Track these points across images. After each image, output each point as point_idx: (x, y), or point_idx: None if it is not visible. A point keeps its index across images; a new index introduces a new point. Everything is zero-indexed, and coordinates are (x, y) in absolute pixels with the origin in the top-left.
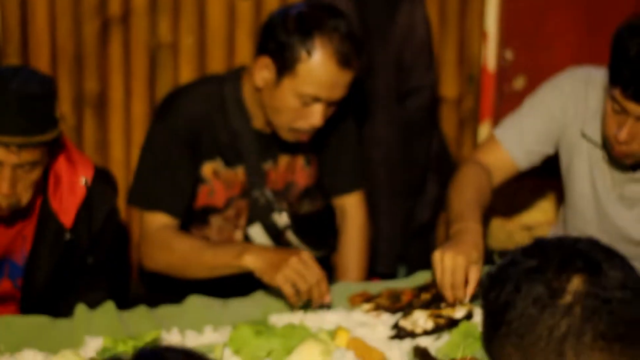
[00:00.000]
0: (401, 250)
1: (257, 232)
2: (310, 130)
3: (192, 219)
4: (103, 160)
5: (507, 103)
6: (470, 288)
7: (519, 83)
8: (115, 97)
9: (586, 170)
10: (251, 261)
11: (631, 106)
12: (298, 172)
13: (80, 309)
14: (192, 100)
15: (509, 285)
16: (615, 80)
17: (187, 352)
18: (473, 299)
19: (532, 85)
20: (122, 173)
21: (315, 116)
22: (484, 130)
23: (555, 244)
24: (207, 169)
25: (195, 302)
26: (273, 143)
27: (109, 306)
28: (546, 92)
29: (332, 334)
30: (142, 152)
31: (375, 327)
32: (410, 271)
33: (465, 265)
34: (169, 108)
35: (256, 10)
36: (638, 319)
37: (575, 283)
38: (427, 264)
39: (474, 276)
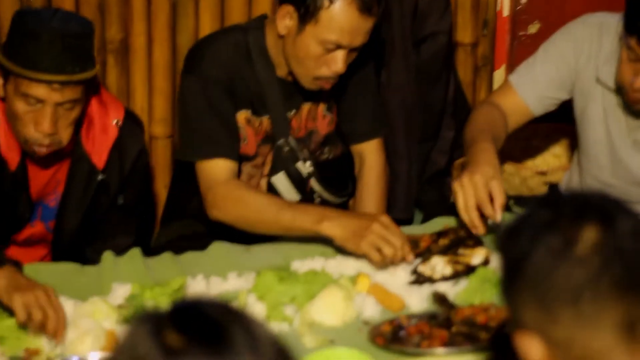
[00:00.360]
0: (418, 195)
1: (281, 181)
2: (332, 77)
3: None
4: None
5: (522, 48)
6: (498, 203)
7: (533, 28)
8: (137, 44)
9: (600, 116)
10: (331, 229)
11: None
12: (319, 119)
13: (107, 256)
14: (221, 48)
15: (524, 236)
16: (631, 29)
17: (225, 306)
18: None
19: (547, 30)
20: (145, 119)
21: (338, 62)
22: (499, 75)
23: (568, 196)
24: (241, 116)
25: (218, 249)
26: (296, 91)
27: (134, 253)
28: (560, 38)
29: (353, 279)
30: (182, 106)
31: (394, 272)
32: (426, 217)
33: (484, 182)
34: (200, 57)
35: None
36: None
37: (589, 233)
38: (443, 210)
39: (497, 190)
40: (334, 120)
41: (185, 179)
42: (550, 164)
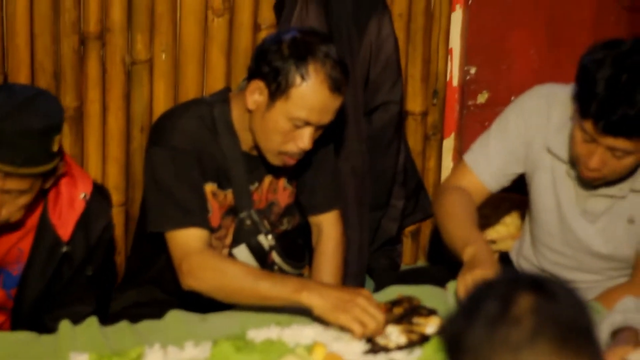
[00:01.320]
0: (369, 262)
1: (243, 253)
2: (298, 153)
3: None
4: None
5: (472, 117)
6: None
7: (482, 97)
8: (92, 111)
9: (550, 184)
10: (311, 299)
11: (602, 139)
12: (280, 191)
13: (65, 325)
14: (187, 122)
15: (462, 312)
16: (585, 113)
17: None
18: None
19: (496, 99)
20: None
21: (305, 139)
22: (448, 144)
23: (501, 275)
24: (207, 189)
25: (175, 317)
26: (259, 165)
27: (91, 321)
28: (510, 112)
29: (309, 349)
30: (150, 178)
31: (350, 342)
32: (377, 285)
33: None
34: (167, 129)
35: (229, 28)
36: (586, 326)
37: (524, 297)
38: (394, 277)
39: None
40: (294, 192)
41: (144, 247)
42: (500, 232)
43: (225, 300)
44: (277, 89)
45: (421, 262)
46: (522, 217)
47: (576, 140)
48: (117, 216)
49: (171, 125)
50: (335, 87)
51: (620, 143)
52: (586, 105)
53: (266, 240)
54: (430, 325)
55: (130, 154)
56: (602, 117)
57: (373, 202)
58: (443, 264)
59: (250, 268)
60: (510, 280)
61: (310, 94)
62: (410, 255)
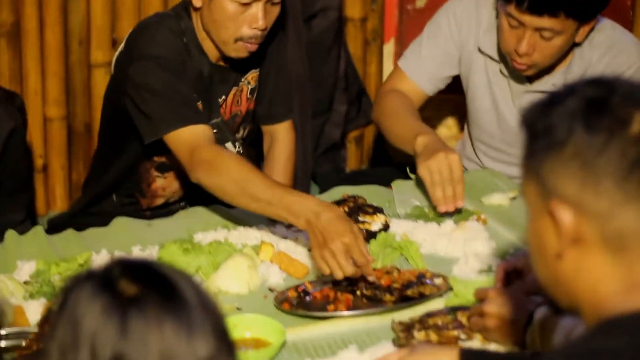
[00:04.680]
0: (313, 168)
1: None
2: (255, 35)
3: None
4: (18, 90)
5: (411, 21)
6: (457, 175)
7: (421, 2)
8: (29, 27)
9: (485, 85)
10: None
11: (527, 18)
12: (243, 103)
13: (10, 234)
14: (165, 33)
15: (571, 108)
16: None
17: (169, 265)
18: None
19: (434, 3)
20: (39, 101)
21: (257, 18)
22: (388, 49)
23: (614, 82)
24: None
25: (121, 224)
26: (227, 77)
27: (37, 230)
28: (441, 16)
29: (257, 248)
30: (138, 92)
31: (297, 240)
32: (322, 189)
33: (452, 159)
34: (147, 42)
35: None
36: None
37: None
38: (338, 182)
39: (457, 163)
40: (253, 102)
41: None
42: (442, 133)
43: (228, 198)
44: None
45: (365, 167)
46: (463, 119)
47: (504, 29)
48: (59, 130)
49: (150, 38)
50: None
51: (546, 22)
52: None
53: (234, 148)
54: (376, 222)
55: (70, 68)
56: None
57: (315, 108)
58: (387, 167)
59: (261, 175)
60: (626, 93)
61: None
62: (355, 160)
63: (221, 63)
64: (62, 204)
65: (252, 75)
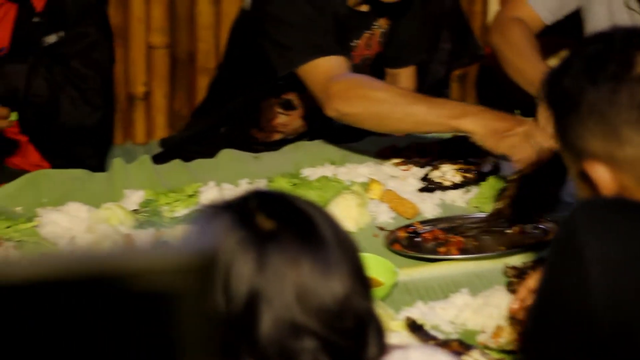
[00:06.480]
0: None
1: None
2: None
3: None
4: (122, 17)
5: None
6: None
7: None
8: None
9: (606, 18)
10: (472, 125)
11: None
12: (373, 46)
13: (117, 162)
14: None
15: (575, 71)
16: None
17: (307, 200)
18: None
19: None
20: (142, 29)
21: None
22: None
23: (611, 32)
24: None
25: (228, 156)
26: (362, 21)
27: (144, 159)
28: None
29: (365, 186)
30: (273, 24)
31: (405, 179)
32: None
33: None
34: None
35: None
36: None
37: None
38: None
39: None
40: (382, 45)
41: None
42: None
43: (374, 127)
44: None
45: None
46: None
47: None
48: (162, 58)
49: None
50: None
51: None
52: None
53: None
54: (485, 165)
55: None
56: None
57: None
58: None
59: (403, 91)
60: (623, 38)
61: None
62: (458, 100)
63: (358, 7)
64: (162, 134)
65: (384, 20)
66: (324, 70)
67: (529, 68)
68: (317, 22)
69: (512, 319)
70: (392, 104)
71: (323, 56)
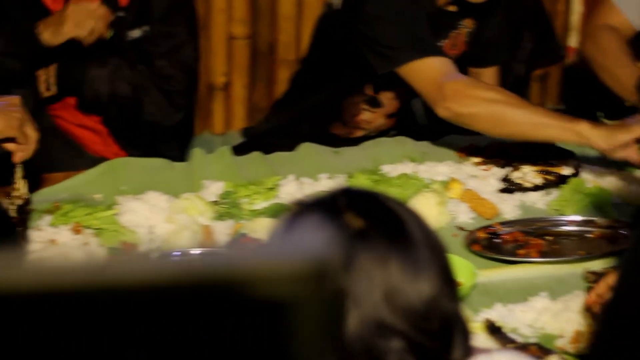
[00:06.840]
0: None
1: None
2: None
3: None
4: (204, 7)
5: None
6: None
7: None
8: None
9: None
10: (590, 130)
11: None
12: (459, 46)
13: (197, 153)
14: None
15: None
16: None
17: (396, 199)
18: None
19: None
20: (223, 20)
21: None
22: None
23: None
24: None
25: (307, 150)
26: (450, 21)
27: (224, 151)
28: None
29: (445, 185)
30: (371, 25)
31: (486, 179)
32: None
33: None
34: None
35: None
36: None
37: None
38: None
39: None
40: (468, 45)
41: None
42: None
43: (489, 129)
44: None
45: (550, 107)
46: None
47: None
48: (243, 49)
49: None
50: None
51: None
52: None
53: None
54: (567, 168)
55: None
56: None
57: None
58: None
59: (517, 96)
60: None
61: None
62: (537, 100)
63: (447, 7)
64: (240, 125)
65: (470, 19)
66: (434, 69)
67: (624, 74)
68: (418, 22)
69: (588, 311)
70: (509, 105)
71: (430, 56)
